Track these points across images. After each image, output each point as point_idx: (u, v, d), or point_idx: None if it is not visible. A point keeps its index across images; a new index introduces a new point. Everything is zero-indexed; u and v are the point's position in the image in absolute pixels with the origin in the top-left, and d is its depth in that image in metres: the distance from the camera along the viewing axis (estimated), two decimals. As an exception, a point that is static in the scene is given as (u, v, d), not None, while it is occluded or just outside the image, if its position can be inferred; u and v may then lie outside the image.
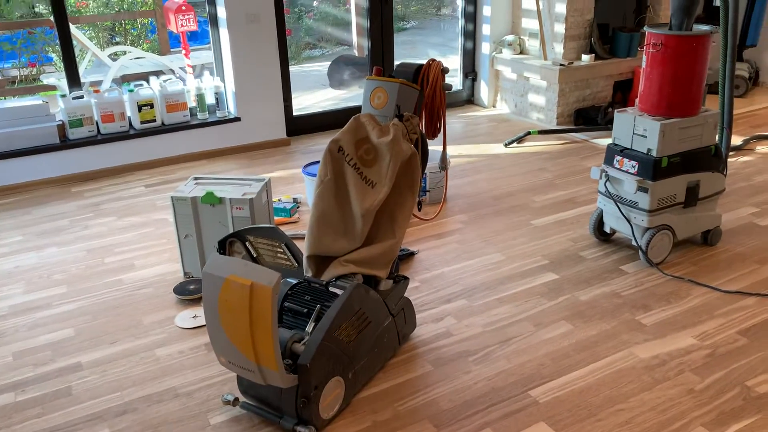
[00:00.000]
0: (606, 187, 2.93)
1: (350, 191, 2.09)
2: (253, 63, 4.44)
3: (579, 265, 2.90)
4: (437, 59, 2.30)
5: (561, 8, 4.81)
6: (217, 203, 2.75)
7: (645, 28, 2.75)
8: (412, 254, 3.03)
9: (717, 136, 2.98)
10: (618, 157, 2.87)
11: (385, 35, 5.01)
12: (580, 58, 4.95)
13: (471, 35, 5.43)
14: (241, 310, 1.76)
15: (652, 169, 2.73)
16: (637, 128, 2.79)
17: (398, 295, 2.27)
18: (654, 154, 2.73)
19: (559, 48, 4.91)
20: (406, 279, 2.32)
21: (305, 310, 2.03)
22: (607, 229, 3.05)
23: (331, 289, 2.07)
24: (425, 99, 2.27)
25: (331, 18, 9.95)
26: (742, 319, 2.47)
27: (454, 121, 5.15)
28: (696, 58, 2.66)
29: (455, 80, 5.62)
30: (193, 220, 2.78)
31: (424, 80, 2.27)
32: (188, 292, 2.74)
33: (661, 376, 2.17)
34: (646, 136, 2.76)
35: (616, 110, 2.90)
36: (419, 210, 2.19)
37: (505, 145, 4.50)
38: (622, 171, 2.85)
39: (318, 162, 3.64)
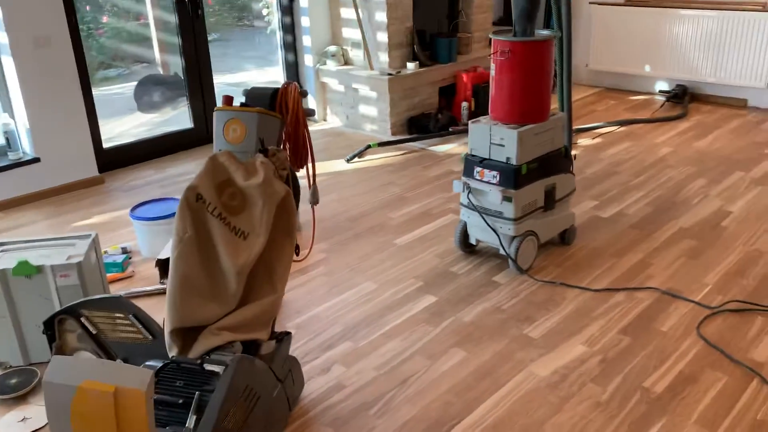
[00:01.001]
0: (469, 199, 2.86)
1: (218, 246, 1.76)
2: (49, 93, 3.80)
3: (453, 283, 2.80)
4: (292, 82, 2.04)
5: (381, 16, 4.74)
6: (34, 273, 2.23)
7: (491, 35, 2.71)
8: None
9: (565, 138, 3.04)
10: (478, 168, 2.81)
11: (200, 53, 4.59)
12: (405, 66, 4.92)
13: (291, 47, 5.18)
14: (104, 423, 1.36)
15: (514, 177, 2.70)
16: (494, 138, 2.74)
17: (283, 356, 1.97)
18: (514, 162, 2.70)
19: (384, 57, 4.84)
20: (289, 334, 2.03)
21: (180, 401, 1.66)
22: (473, 241, 2.99)
23: (207, 367, 1.72)
24: (287, 127, 2.00)
25: (125, 34, 9.12)
26: (618, 317, 2.51)
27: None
28: (543, 63, 2.67)
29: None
30: (4, 297, 2.23)
31: (283, 106, 1.99)
32: (9, 389, 2.19)
33: (565, 393, 2.11)
34: (503, 145, 2.72)
35: (470, 121, 2.84)
36: (297, 255, 1.91)
37: (347, 161, 4.32)
38: (484, 182, 2.79)
39: (149, 201, 3.18)
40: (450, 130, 4.82)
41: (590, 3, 5.79)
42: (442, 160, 4.31)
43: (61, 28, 3.76)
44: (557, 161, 2.88)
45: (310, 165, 2.10)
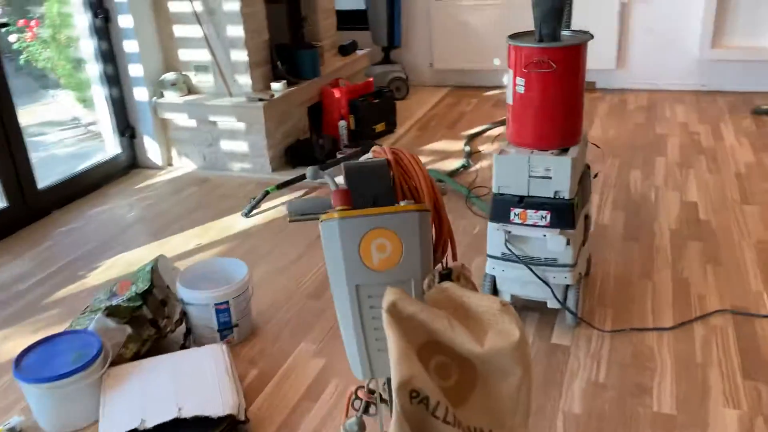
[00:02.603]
0: (509, 248, 2.26)
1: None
2: None
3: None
4: (383, 146, 1.27)
5: (235, 31, 3.85)
6: None
7: (513, 42, 2.12)
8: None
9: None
10: (517, 210, 2.22)
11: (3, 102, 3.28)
12: (269, 87, 4.09)
13: (114, 80, 4.01)
14: None
15: (569, 214, 2.17)
16: (536, 170, 2.18)
17: None
18: (566, 195, 2.17)
19: (245, 79, 3.96)
20: None
21: None
22: (506, 297, 2.41)
23: None
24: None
25: None
26: (725, 358, 2.14)
27: (134, 202, 3.75)
28: (583, 71, 2.17)
29: (109, 143, 4.13)
30: None
31: (403, 184, 1.23)
32: None
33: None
34: (551, 177, 2.17)
35: (494, 153, 2.23)
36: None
37: (246, 216, 3.40)
38: (528, 225, 2.22)
39: (39, 344, 2.05)
40: (338, 156, 4.12)
41: (427, -1, 5.47)
42: (358, 195, 3.62)
43: None
44: (587, 183, 2.42)
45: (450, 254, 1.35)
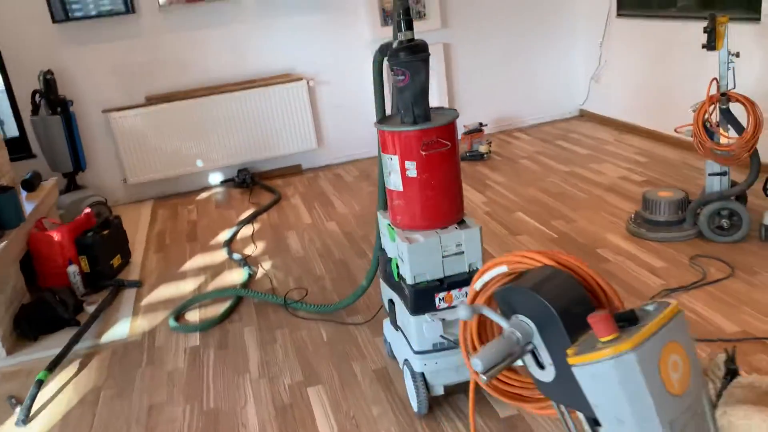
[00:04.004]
0: (444, 337, 2.10)
1: None
2: None
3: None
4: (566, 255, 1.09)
5: None
6: None
7: (407, 128, 2.01)
8: None
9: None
10: (441, 294, 2.09)
11: None
12: (-32, 250, 3.08)
13: None
14: None
15: (488, 283, 2.14)
16: (448, 247, 2.09)
17: None
18: (479, 266, 2.13)
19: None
20: None
21: None
22: (440, 391, 2.22)
23: None
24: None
25: None
26: None
27: None
28: (456, 144, 2.17)
29: None
30: None
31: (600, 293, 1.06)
32: None
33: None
34: (463, 251, 2.10)
35: (406, 245, 2.06)
36: None
37: (24, 423, 2.45)
38: (453, 307, 2.10)
39: None
40: (86, 307, 3.33)
41: (103, 112, 4.86)
42: (132, 349, 2.96)
43: None
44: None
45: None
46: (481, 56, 5.48)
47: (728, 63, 3.03)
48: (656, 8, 4.78)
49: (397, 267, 2.21)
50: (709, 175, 3.17)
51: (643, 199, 3.39)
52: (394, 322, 2.36)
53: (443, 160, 2.06)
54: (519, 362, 1.06)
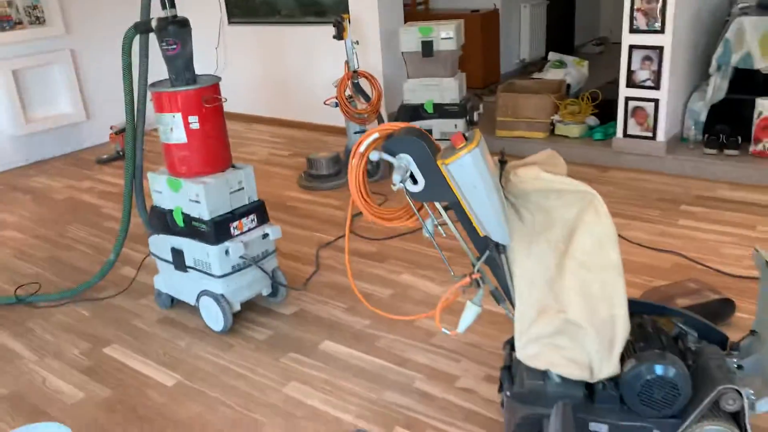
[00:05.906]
0: (243, 256, 2.58)
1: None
2: None
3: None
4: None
5: None
6: None
7: (188, 87, 2.40)
8: None
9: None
10: (234, 223, 2.57)
11: None
12: None
13: None
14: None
15: (265, 210, 2.70)
16: (233, 184, 2.57)
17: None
18: (255, 197, 2.67)
19: None
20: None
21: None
22: (238, 308, 2.67)
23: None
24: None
25: None
26: None
27: None
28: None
29: None
30: None
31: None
32: None
33: None
34: (243, 188, 2.62)
35: (201, 186, 2.45)
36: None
37: None
38: (246, 232, 2.60)
39: None
40: None
41: None
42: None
43: None
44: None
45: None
46: (112, 62, 5.63)
47: (353, 48, 4.13)
48: (263, 15, 5.76)
49: (183, 214, 2.58)
50: (354, 133, 4.25)
51: (308, 160, 4.29)
52: (181, 267, 2.69)
53: (218, 112, 2.54)
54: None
